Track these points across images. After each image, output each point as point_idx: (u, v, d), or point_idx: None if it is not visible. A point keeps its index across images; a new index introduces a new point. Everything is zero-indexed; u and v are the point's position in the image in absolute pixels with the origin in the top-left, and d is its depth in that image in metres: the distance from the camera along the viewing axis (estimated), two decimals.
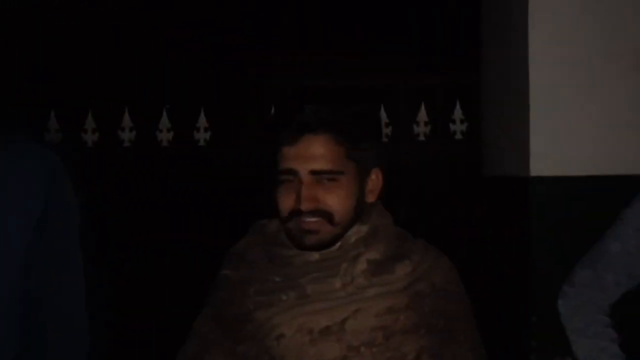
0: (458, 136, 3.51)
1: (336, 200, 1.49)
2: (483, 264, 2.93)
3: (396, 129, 3.62)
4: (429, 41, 4.14)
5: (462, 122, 3.52)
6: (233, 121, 3.70)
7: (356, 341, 1.47)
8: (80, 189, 1.44)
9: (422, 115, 3.57)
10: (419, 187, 3.53)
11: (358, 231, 1.54)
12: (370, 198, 1.57)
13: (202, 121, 3.62)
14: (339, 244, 1.53)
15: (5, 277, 1.30)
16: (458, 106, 3.53)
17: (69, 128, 3.63)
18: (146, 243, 3.52)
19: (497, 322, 2.79)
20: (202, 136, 3.62)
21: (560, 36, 2.41)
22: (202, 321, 1.62)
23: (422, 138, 3.56)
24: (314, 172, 1.48)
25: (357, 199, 1.54)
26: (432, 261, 1.58)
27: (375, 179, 1.58)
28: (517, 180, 2.50)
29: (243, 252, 1.62)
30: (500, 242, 2.78)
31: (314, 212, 1.48)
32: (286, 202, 1.49)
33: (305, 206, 1.47)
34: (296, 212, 1.48)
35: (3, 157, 1.33)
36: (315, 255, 1.52)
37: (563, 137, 2.42)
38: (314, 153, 1.49)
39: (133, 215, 3.57)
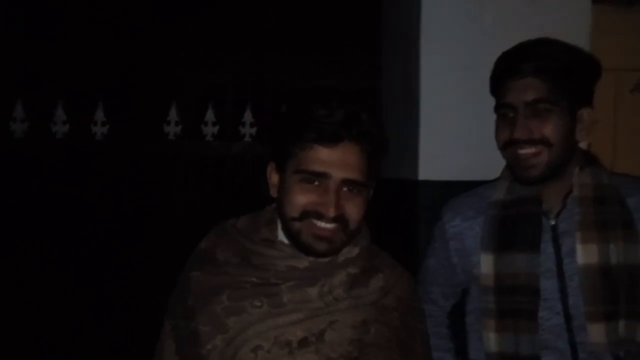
0: None
1: (356, 211, 1.47)
2: None
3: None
4: (331, 44, 4.21)
5: None
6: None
7: (334, 353, 1.44)
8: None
9: None
10: None
11: (349, 252, 1.53)
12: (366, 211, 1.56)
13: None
14: (329, 258, 1.49)
15: None
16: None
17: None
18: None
19: None
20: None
21: (450, 46, 2.50)
22: (165, 340, 1.54)
23: None
24: (345, 181, 1.44)
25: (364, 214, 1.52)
26: (398, 276, 1.60)
27: (370, 197, 1.58)
28: (409, 183, 2.57)
29: (212, 252, 1.54)
30: (393, 242, 2.85)
31: (335, 219, 1.44)
32: (303, 202, 1.44)
33: (333, 212, 1.43)
34: (315, 215, 1.44)
35: None
36: (305, 263, 1.48)
37: (450, 143, 2.50)
38: (349, 161, 1.45)
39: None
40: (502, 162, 2.32)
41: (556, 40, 1.89)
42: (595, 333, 1.75)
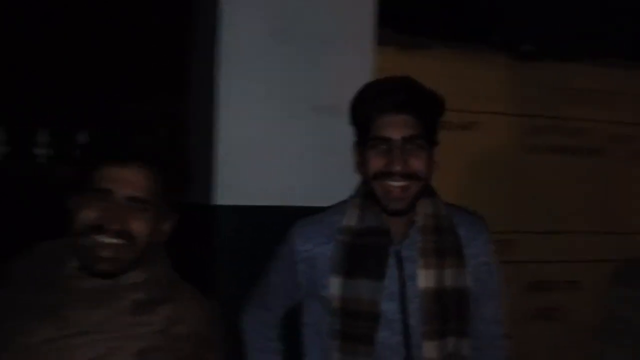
0: None
1: (140, 227, 1.53)
2: None
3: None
4: (142, 67, 4.20)
5: None
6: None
7: None
8: None
9: None
10: None
11: (136, 277, 1.56)
12: (161, 237, 1.64)
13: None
14: (113, 280, 1.53)
15: None
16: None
17: None
18: None
19: None
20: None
21: (248, 77, 2.59)
22: None
23: None
24: (129, 198, 1.52)
25: (151, 233, 1.58)
26: (195, 306, 1.64)
27: (169, 225, 1.66)
28: (203, 208, 2.61)
29: (13, 271, 1.57)
30: (189, 266, 2.87)
31: (118, 233, 1.49)
32: (89, 216, 1.49)
33: (113, 225, 1.48)
34: (98, 230, 1.48)
35: None
36: (89, 284, 1.51)
37: (246, 169, 2.57)
38: (133, 180, 1.53)
39: None
40: (299, 188, 2.44)
41: (415, 80, 2.00)
42: (429, 349, 1.93)
